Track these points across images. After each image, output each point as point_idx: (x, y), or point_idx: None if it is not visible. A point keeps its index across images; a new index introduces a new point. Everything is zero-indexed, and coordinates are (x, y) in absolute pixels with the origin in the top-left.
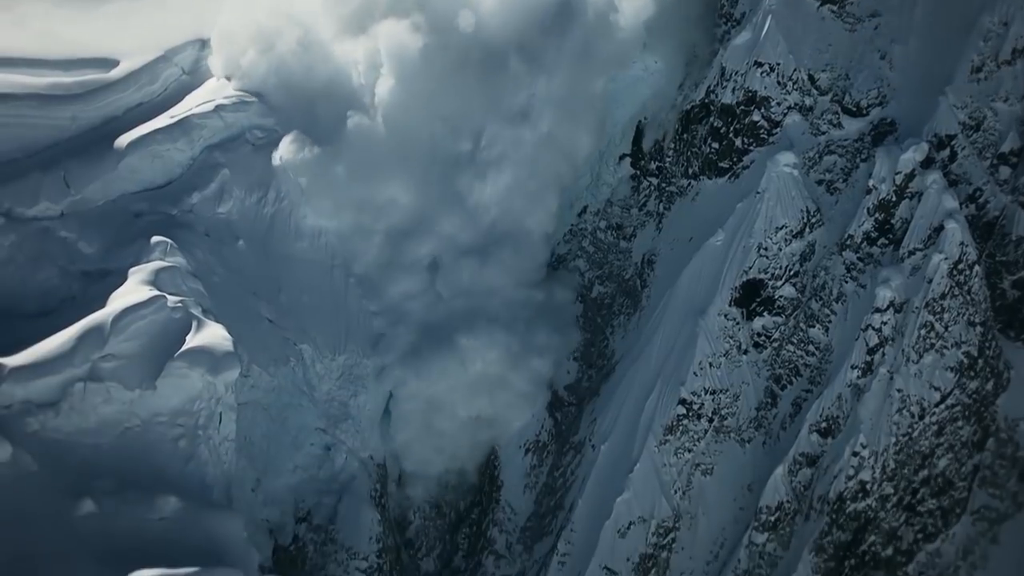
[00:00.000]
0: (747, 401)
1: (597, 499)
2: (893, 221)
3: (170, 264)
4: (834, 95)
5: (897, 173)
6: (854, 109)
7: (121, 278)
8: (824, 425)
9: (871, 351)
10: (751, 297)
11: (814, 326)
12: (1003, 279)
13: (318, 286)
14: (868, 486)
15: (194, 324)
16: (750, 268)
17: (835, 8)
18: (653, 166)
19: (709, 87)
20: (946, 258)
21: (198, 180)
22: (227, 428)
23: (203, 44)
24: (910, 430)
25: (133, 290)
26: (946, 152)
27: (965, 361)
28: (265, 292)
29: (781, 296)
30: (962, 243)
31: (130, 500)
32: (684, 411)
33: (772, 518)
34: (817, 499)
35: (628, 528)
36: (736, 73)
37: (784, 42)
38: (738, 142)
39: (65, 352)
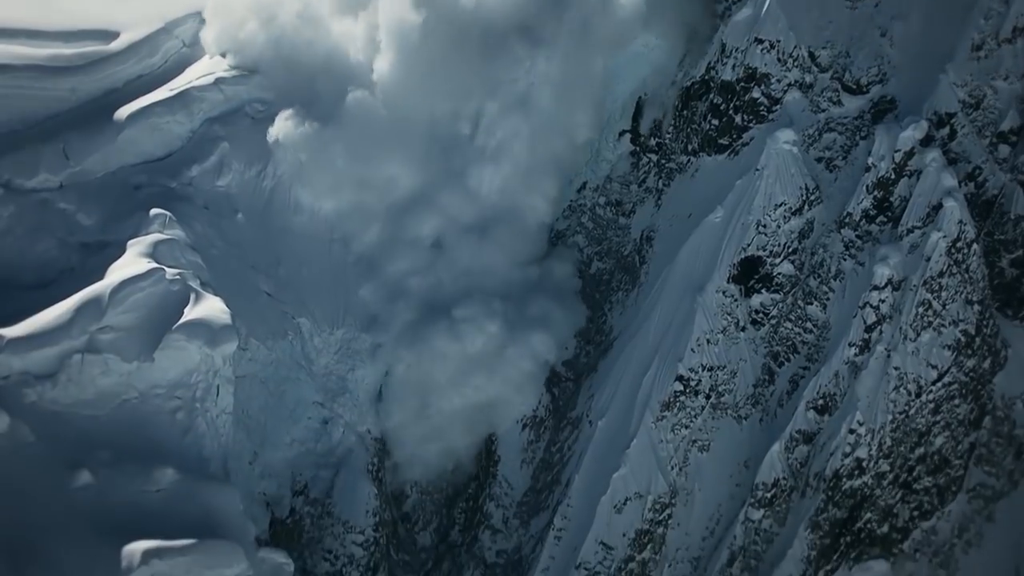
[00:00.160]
0: (744, 378)
1: (594, 475)
2: (892, 199)
3: (169, 237)
4: (834, 72)
5: (896, 151)
6: (854, 87)
7: (120, 250)
8: (821, 402)
9: (869, 329)
10: (749, 274)
11: (812, 303)
12: (1001, 258)
13: (317, 260)
14: (864, 463)
15: (192, 297)
16: (748, 245)
17: None
18: (653, 142)
19: (709, 64)
20: (944, 236)
21: (197, 153)
22: (225, 401)
23: (203, 16)
24: (907, 408)
25: (131, 262)
26: (946, 130)
27: (962, 339)
28: (264, 265)
29: (779, 273)
30: (961, 221)
31: (127, 472)
32: (681, 387)
33: (768, 495)
34: (813, 476)
35: (624, 504)
36: (736, 50)
37: (785, 19)
38: (738, 119)
39: (63, 323)
